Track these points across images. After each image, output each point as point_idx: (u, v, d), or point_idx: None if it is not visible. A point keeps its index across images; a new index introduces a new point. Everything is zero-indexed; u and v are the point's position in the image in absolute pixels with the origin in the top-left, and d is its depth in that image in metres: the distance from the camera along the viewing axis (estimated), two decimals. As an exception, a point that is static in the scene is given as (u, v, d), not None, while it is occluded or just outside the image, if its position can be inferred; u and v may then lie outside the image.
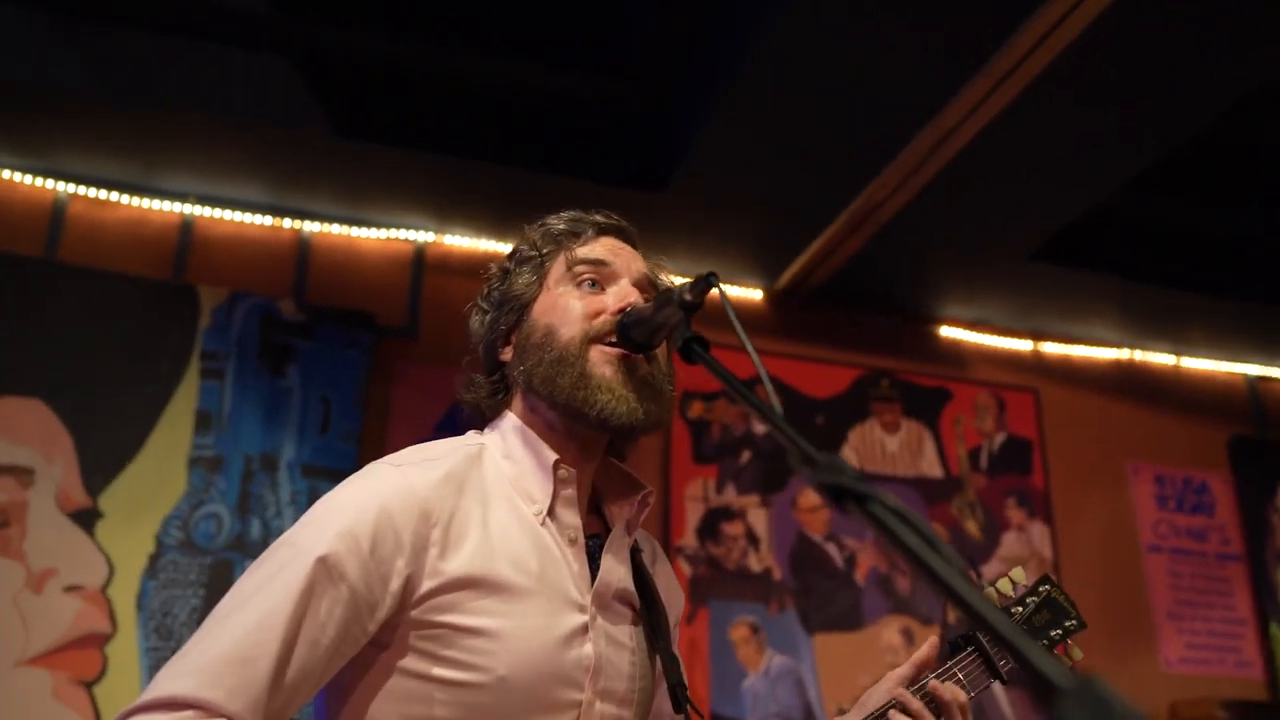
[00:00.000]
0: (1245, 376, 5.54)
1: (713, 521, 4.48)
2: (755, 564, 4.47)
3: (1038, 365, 5.25)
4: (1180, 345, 5.43)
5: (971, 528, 4.80)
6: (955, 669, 1.63)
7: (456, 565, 1.42)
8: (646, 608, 1.61)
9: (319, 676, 1.39)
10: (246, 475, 3.90)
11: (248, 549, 3.74)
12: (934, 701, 1.57)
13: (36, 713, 3.44)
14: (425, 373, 4.32)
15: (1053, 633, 1.74)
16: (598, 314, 1.55)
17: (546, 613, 1.45)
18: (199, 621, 1.53)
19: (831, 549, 4.58)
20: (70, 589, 3.61)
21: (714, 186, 4.21)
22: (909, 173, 4.11)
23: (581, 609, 1.49)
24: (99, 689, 3.53)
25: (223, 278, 4.19)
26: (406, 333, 4.39)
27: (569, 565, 1.51)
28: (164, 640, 3.61)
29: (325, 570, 1.36)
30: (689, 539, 4.42)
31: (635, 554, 1.66)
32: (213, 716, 1.28)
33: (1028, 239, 4.55)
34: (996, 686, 4.95)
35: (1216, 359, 5.49)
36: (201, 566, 3.69)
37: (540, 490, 1.53)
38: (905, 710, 1.56)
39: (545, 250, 1.64)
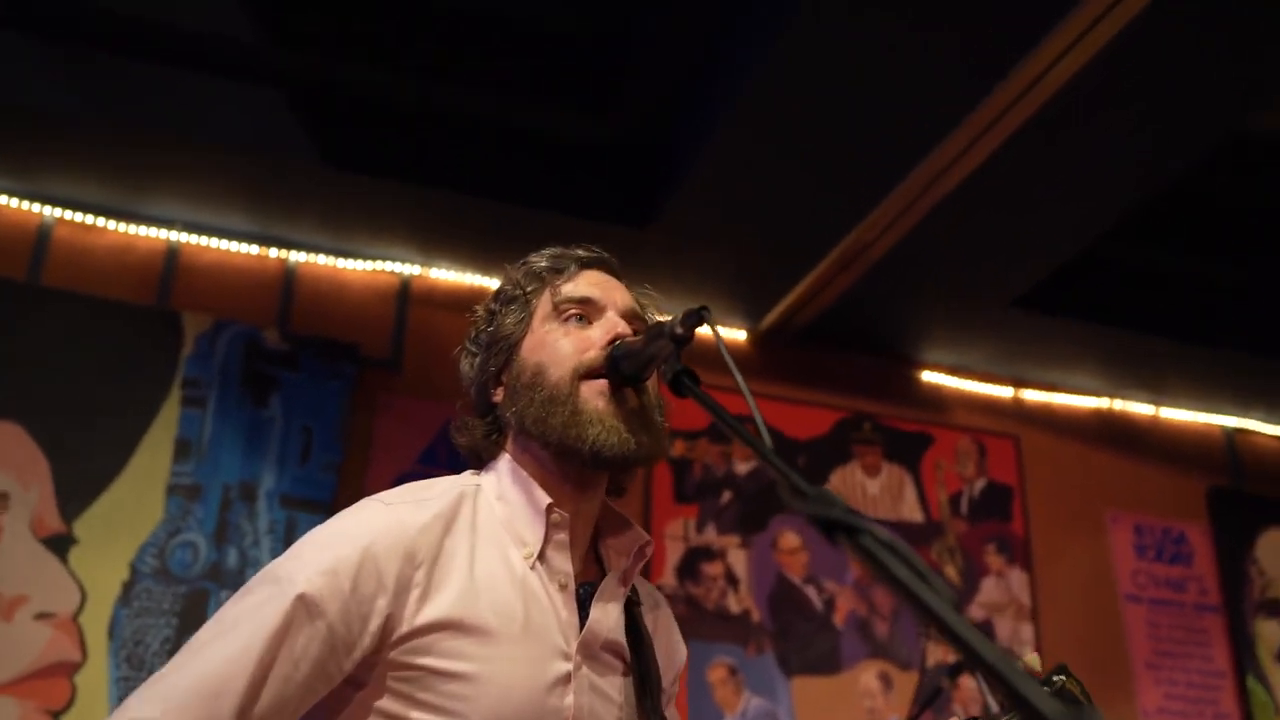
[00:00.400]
0: (1223, 428, 5.58)
1: (692, 561, 4.46)
2: (734, 605, 4.45)
3: (1019, 412, 5.27)
4: (1159, 395, 5.46)
5: (951, 573, 4.79)
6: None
7: (438, 608, 1.40)
8: (638, 661, 1.58)
9: (290, 713, 1.37)
10: (225, 504, 3.86)
11: (224, 578, 3.70)
12: None
13: (2, 742, 3.38)
14: (409, 405, 4.31)
15: None
16: (586, 350, 1.55)
17: (528, 660, 1.43)
18: (171, 652, 1.52)
19: (811, 591, 4.57)
20: (41, 616, 3.56)
21: (700, 224, 4.23)
22: (896, 216, 4.14)
23: (566, 657, 1.47)
24: (67, 719, 3.47)
25: (207, 305, 4.18)
26: (390, 365, 4.38)
27: (556, 612, 1.49)
28: (135, 670, 3.56)
29: (304, 607, 1.35)
30: (668, 578, 4.40)
31: (632, 606, 1.63)
32: None
33: (1012, 284, 4.58)
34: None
35: (1195, 409, 5.53)
36: (176, 595, 3.64)
37: (532, 533, 1.52)
38: None
39: (530, 289, 1.64)
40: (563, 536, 1.52)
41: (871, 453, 4.89)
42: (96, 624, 3.60)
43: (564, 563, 1.52)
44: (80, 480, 3.75)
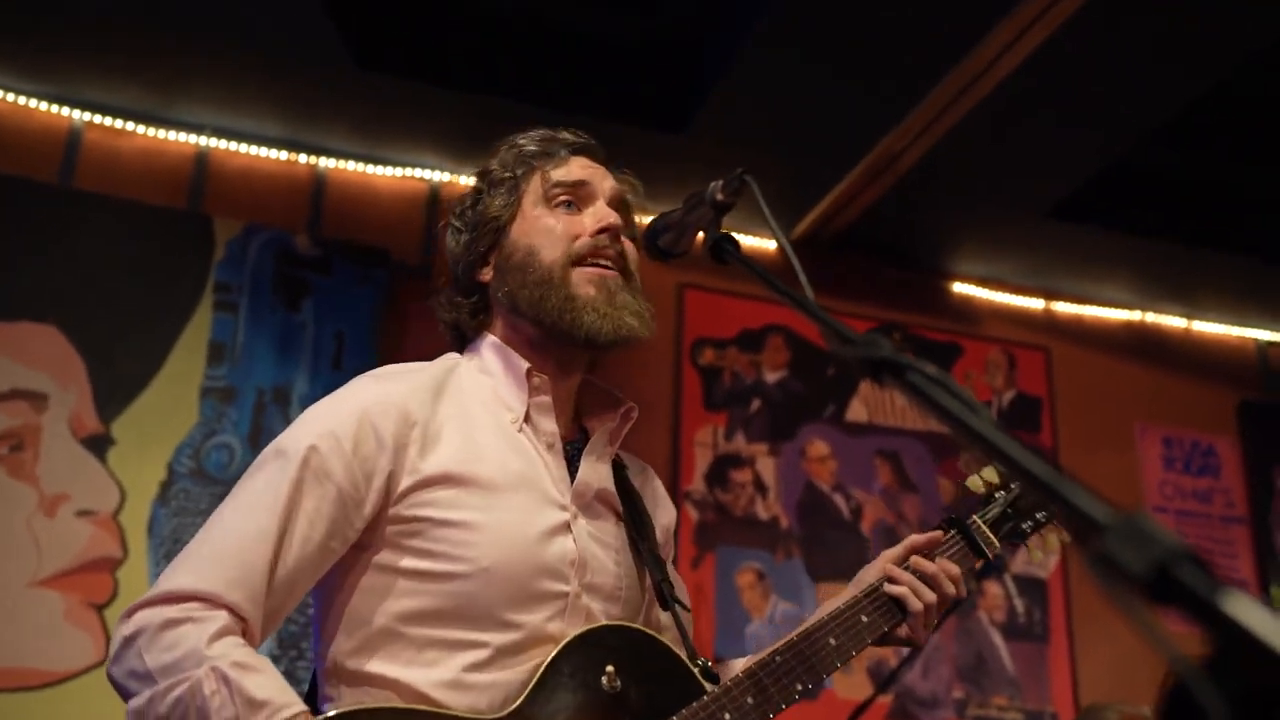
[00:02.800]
0: (1255, 341, 5.53)
1: (721, 468, 4.49)
2: (763, 512, 4.49)
3: (1050, 324, 5.24)
4: (1192, 308, 5.41)
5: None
6: (942, 549, 1.70)
7: (435, 462, 1.46)
8: (629, 512, 1.65)
9: (311, 574, 1.45)
10: (259, 407, 3.91)
11: (259, 479, 3.75)
12: (925, 577, 1.63)
13: (49, 632, 3.48)
14: (438, 312, 4.32)
15: (1038, 515, 1.77)
16: (577, 236, 1.60)
17: (525, 509, 1.50)
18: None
19: (839, 499, 4.60)
20: (82, 514, 3.64)
21: (732, 131, 4.19)
22: (929, 122, 4.09)
23: (562, 508, 1.54)
24: (109, 612, 3.56)
25: (237, 210, 4.19)
26: (421, 272, 4.39)
27: (548, 468, 1.56)
28: (175, 567, 3.63)
29: (311, 471, 1.42)
30: (697, 484, 4.44)
31: (620, 469, 1.70)
32: (215, 607, 1.33)
33: (1046, 195, 4.53)
34: (998, 639, 4.90)
35: (1227, 323, 5.48)
36: (213, 495, 3.71)
37: (516, 399, 1.58)
38: (894, 583, 1.62)
39: (519, 172, 1.66)
40: (545, 399, 1.59)
41: (900, 363, 4.88)
42: (136, 522, 3.68)
43: (549, 424, 1.59)
44: (116, 382, 3.80)
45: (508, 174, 1.66)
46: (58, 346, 3.77)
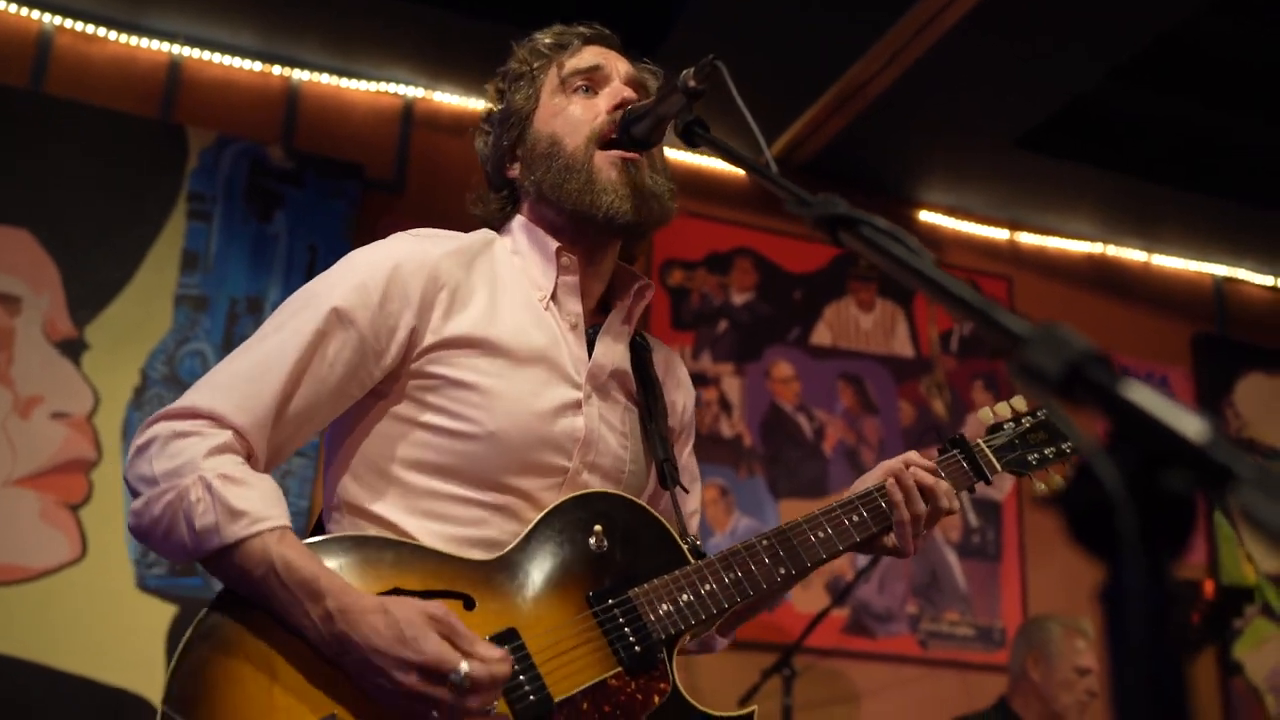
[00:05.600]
0: (1212, 276, 5.66)
1: (687, 387, 4.57)
2: (727, 430, 4.59)
3: (1013, 254, 5.34)
4: (1152, 242, 5.53)
5: (938, 407, 4.93)
6: (939, 467, 1.73)
7: (459, 325, 1.52)
8: (645, 394, 1.70)
9: (324, 413, 1.51)
10: (231, 317, 3.95)
11: (232, 387, 3.80)
12: (922, 489, 1.67)
13: (25, 531, 3.53)
14: (411, 227, 4.35)
15: (1046, 450, 1.81)
16: (595, 116, 1.64)
17: (541, 381, 1.55)
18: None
19: (802, 419, 4.70)
20: (57, 415, 3.68)
21: (701, 56, 4.20)
22: (897, 50, 4.13)
23: (576, 386, 1.59)
24: (85, 512, 3.62)
25: (210, 120, 4.18)
26: (393, 187, 4.42)
27: (569, 347, 1.61)
28: (148, 470, 3.69)
29: (337, 317, 1.48)
30: (663, 403, 4.52)
31: (641, 350, 1.75)
32: (221, 426, 1.41)
33: (1013, 124, 4.59)
34: (952, 558, 5.03)
35: (1186, 257, 5.60)
36: (186, 401, 3.75)
37: (545, 277, 1.64)
38: (892, 491, 1.66)
39: (536, 65, 1.72)
40: (572, 279, 1.64)
41: (866, 289, 4.98)
42: (110, 425, 3.72)
43: (574, 304, 1.64)
44: (90, 288, 3.82)
45: (525, 68, 1.72)
46: (30, 251, 3.78)
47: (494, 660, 1.32)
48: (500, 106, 1.74)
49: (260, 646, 1.36)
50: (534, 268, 1.65)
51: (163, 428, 1.42)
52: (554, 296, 1.63)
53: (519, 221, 1.69)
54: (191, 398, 1.44)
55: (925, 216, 5.23)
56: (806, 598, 4.35)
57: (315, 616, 1.33)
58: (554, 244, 1.64)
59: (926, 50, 4.10)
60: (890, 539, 1.68)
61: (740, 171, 4.95)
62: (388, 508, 1.51)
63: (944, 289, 0.85)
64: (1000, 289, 5.22)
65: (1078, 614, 3.91)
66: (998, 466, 1.78)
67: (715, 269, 4.75)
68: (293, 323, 1.49)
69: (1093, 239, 5.47)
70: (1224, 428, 5.27)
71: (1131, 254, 5.54)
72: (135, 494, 1.41)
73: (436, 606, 1.35)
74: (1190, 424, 0.62)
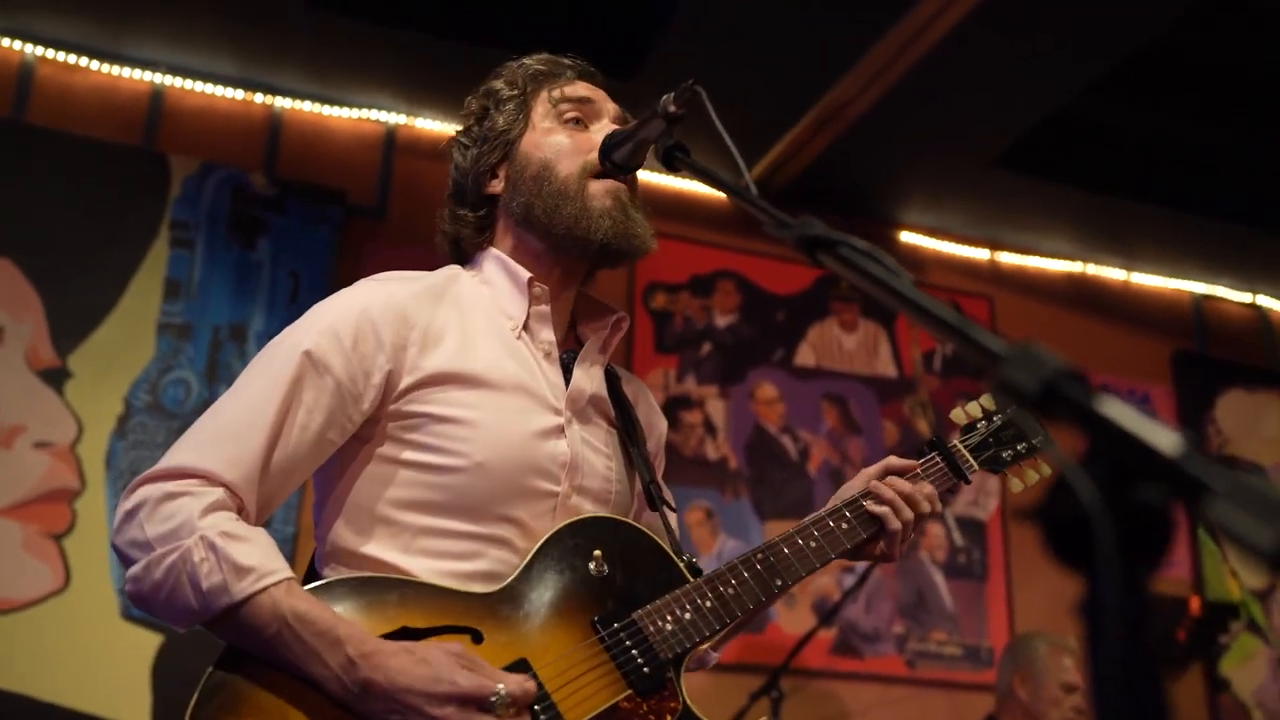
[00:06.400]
0: (1191, 294, 5.71)
1: (672, 410, 4.59)
2: (712, 452, 4.60)
3: (994, 274, 5.38)
4: (1131, 260, 5.57)
5: (922, 426, 4.95)
6: (920, 471, 1.76)
7: (435, 362, 1.53)
8: (621, 419, 1.72)
9: (308, 463, 1.50)
10: (215, 344, 3.94)
11: (216, 414, 3.79)
12: (904, 496, 1.69)
13: (8, 561, 3.51)
14: (393, 254, 4.35)
15: (1018, 446, 1.84)
16: (589, 150, 1.66)
17: (521, 409, 1.56)
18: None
19: (786, 441, 4.72)
20: (40, 445, 3.66)
21: (681, 78, 4.23)
22: (877, 71, 4.17)
23: (556, 412, 1.60)
24: (68, 541, 3.60)
25: (193, 149, 4.19)
26: (375, 213, 4.43)
27: (544, 374, 1.62)
28: (132, 499, 3.67)
29: (311, 363, 1.48)
30: (648, 425, 4.53)
31: (614, 380, 1.76)
32: (212, 484, 1.40)
33: (991, 144, 4.63)
34: (939, 578, 5.04)
35: (1165, 275, 5.65)
36: (169, 430, 3.75)
37: (516, 307, 1.64)
38: (878, 499, 1.69)
39: (528, 89, 1.72)
40: (544, 308, 1.65)
41: (849, 309, 5.00)
42: (94, 454, 3.71)
43: (547, 332, 1.66)
44: (73, 316, 3.81)
45: (515, 91, 1.72)
46: (12, 280, 3.78)
47: (522, 680, 1.35)
48: (483, 124, 1.74)
49: (271, 701, 1.35)
50: (504, 298, 1.65)
51: (151, 490, 1.40)
52: (525, 326, 1.64)
53: (491, 254, 1.70)
54: (176, 458, 1.43)
55: (906, 237, 5.26)
56: (793, 618, 4.36)
57: (335, 665, 1.32)
58: (525, 274, 1.64)
59: (907, 71, 4.14)
60: (879, 546, 1.70)
61: (721, 194, 4.99)
62: (383, 549, 1.50)
63: (922, 308, 0.86)
64: (982, 309, 5.26)
65: (1065, 632, 3.92)
66: (975, 465, 1.81)
67: (698, 291, 4.77)
68: (267, 375, 1.49)
69: (1072, 258, 5.52)
70: (1205, 445, 5.32)
71: (1111, 272, 5.58)
72: (128, 560, 1.40)
73: (453, 645, 1.36)
74: (1164, 438, 0.63)
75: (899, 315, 5.05)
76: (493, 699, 1.30)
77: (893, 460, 1.75)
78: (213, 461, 1.41)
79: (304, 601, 1.35)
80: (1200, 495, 0.60)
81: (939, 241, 5.30)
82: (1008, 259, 5.42)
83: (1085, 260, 5.53)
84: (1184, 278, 5.68)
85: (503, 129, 1.70)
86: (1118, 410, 0.66)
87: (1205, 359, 5.57)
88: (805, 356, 4.86)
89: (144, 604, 1.40)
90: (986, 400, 1.88)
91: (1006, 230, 5.34)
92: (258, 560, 1.35)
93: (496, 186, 1.71)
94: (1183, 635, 4.96)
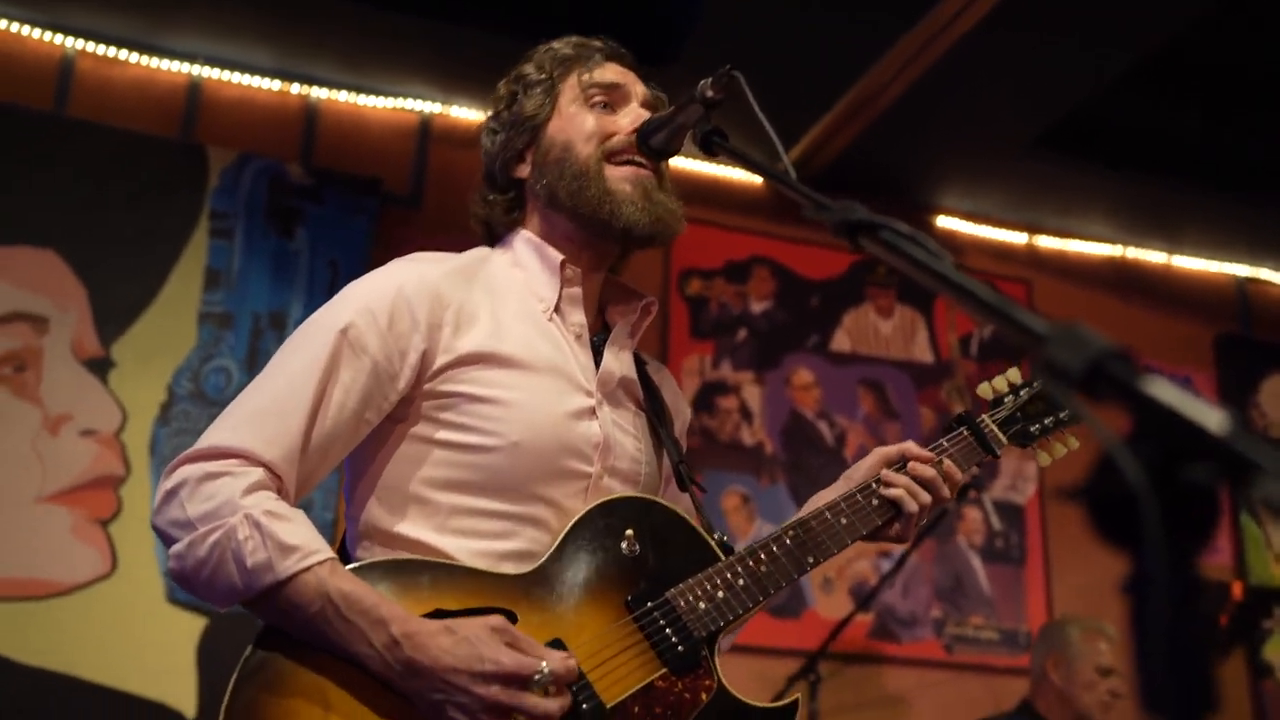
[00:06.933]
0: (1234, 277, 5.63)
1: (708, 395, 4.59)
2: (748, 438, 4.60)
3: (1032, 259, 5.33)
4: (1173, 244, 5.50)
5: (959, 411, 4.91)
6: (947, 446, 1.74)
7: (469, 342, 1.53)
8: (650, 401, 1.73)
9: (345, 442, 1.51)
10: (255, 332, 3.98)
11: (257, 402, 3.84)
12: (922, 481, 1.67)
13: (57, 546, 3.58)
14: (428, 243, 4.36)
15: (1045, 421, 1.83)
16: (612, 134, 1.66)
17: (553, 390, 1.57)
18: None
19: (823, 426, 4.71)
20: (85, 433, 3.72)
21: (715, 67, 4.22)
22: (910, 57, 4.14)
23: (588, 394, 1.61)
24: (114, 527, 3.66)
25: (230, 140, 4.23)
26: (410, 202, 4.45)
27: (575, 356, 1.63)
28: (176, 486, 3.73)
29: (347, 342, 1.49)
30: (684, 411, 4.54)
31: (640, 365, 1.77)
32: (252, 463, 1.41)
33: (1028, 127, 4.59)
34: (976, 562, 5.01)
35: (1207, 258, 5.58)
36: (211, 416, 3.72)
37: (548, 289, 1.65)
38: (889, 485, 1.67)
39: (555, 73, 1.72)
40: (576, 291, 1.66)
41: (885, 295, 4.98)
42: (138, 441, 3.76)
43: (578, 315, 1.66)
44: (115, 306, 3.87)
45: (544, 75, 1.72)
46: (57, 271, 3.83)
47: (564, 657, 1.36)
48: (512, 108, 1.74)
49: (312, 680, 1.35)
50: (536, 280, 1.66)
51: (191, 470, 1.41)
52: (557, 308, 1.64)
53: (522, 236, 1.70)
54: (215, 437, 1.44)
55: (942, 222, 5.23)
56: (831, 603, 4.36)
57: (379, 645, 1.33)
58: (558, 256, 1.65)
59: (940, 56, 4.10)
60: (895, 527, 1.69)
61: (756, 180, 4.99)
62: (417, 529, 1.51)
63: (965, 290, 0.86)
64: (1020, 292, 5.21)
65: (1102, 616, 3.90)
66: (1004, 440, 1.80)
67: (733, 278, 4.77)
68: (304, 354, 1.49)
69: (1112, 241, 5.45)
70: (1250, 428, 5.26)
71: (1152, 255, 5.52)
72: (169, 539, 1.40)
73: (495, 619, 1.37)
74: (1211, 417, 0.63)
75: (935, 300, 5.03)
76: (536, 677, 1.31)
77: (910, 445, 1.72)
78: (251, 441, 1.42)
79: (348, 581, 1.37)
80: (1249, 474, 0.60)
81: (976, 226, 5.26)
82: (1046, 243, 5.37)
83: (1126, 243, 5.47)
84: (1227, 260, 5.60)
85: (530, 114, 1.71)
86: (1164, 389, 0.65)
87: (1249, 342, 5.50)
88: (841, 342, 4.84)
89: (186, 582, 1.41)
90: (1013, 374, 1.87)
91: (1045, 214, 5.29)
92: (302, 539, 1.37)
93: (524, 170, 1.72)
94: (1225, 621, 4.91)
